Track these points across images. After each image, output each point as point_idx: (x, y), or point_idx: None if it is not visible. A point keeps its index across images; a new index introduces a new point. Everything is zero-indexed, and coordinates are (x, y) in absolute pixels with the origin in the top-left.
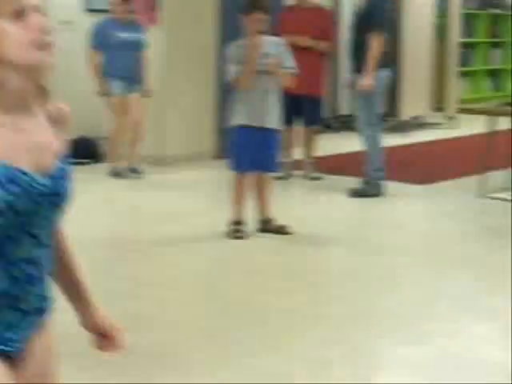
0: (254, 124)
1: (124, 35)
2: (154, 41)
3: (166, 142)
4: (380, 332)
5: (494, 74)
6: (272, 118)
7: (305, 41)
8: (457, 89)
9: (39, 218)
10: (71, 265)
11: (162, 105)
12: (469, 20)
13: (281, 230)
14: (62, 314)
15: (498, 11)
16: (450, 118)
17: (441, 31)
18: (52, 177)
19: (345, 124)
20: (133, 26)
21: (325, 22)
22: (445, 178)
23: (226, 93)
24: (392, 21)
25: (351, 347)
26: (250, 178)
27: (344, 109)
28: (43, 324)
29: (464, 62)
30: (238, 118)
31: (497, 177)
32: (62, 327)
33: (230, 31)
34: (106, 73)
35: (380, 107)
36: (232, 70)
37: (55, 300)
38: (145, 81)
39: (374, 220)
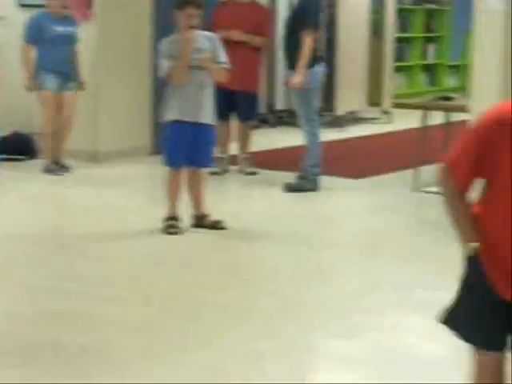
0: (188, 119)
1: (59, 29)
2: (88, 36)
3: (100, 138)
4: (312, 325)
5: (429, 68)
6: (206, 113)
7: (239, 35)
8: (392, 84)
9: None
10: None
11: (95, 100)
12: (404, 15)
13: (215, 226)
14: None
15: (433, 6)
16: (386, 113)
17: (376, 26)
18: None
19: (281, 119)
20: (67, 20)
21: (259, 18)
22: (380, 172)
23: (160, 88)
24: (328, 17)
25: (283, 341)
26: (184, 173)
27: (280, 104)
28: None
29: (400, 57)
30: (172, 114)
31: (431, 171)
32: None
33: (164, 27)
34: (40, 67)
35: (317, 103)
36: (165, 65)
37: None
38: (79, 75)
39: (308, 214)
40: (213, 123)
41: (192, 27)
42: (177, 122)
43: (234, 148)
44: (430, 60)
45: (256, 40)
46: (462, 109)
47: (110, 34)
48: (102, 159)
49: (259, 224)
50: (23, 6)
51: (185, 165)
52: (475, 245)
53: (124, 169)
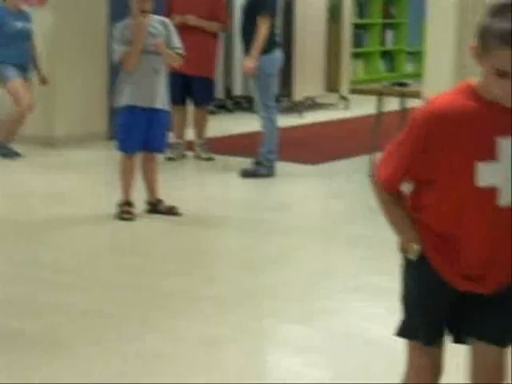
0: (142, 104)
1: (19, 24)
2: (43, 21)
3: (56, 123)
4: (265, 311)
5: (388, 54)
6: (160, 98)
7: (194, 20)
8: (350, 70)
9: None
10: None
11: (51, 85)
12: (362, 1)
13: (170, 211)
14: None
15: None
16: (344, 99)
17: (334, 12)
18: None
19: (239, 105)
20: (24, 15)
21: (215, 3)
22: (337, 158)
23: (116, 73)
24: (285, 2)
25: (236, 327)
26: (138, 158)
27: (238, 90)
28: None
29: (358, 42)
30: (125, 99)
31: None
32: None
33: (119, 12)
34: (1, 61)
35: (274, 88)
36: (118, 50)
37: None
38: (41, 69)
39: (264, 200)
40: (167, 108)
41: (145, 11)
42: (131, 107)
43: (190, 134)
44: (389, 46)
45: (212, 25)
46: (416, 95)
47: (65, 18)
48: (57, 145)
49: (214, 210)
50: None
51: (139, 150)
52: (418, 247)
53: (79, 154)
